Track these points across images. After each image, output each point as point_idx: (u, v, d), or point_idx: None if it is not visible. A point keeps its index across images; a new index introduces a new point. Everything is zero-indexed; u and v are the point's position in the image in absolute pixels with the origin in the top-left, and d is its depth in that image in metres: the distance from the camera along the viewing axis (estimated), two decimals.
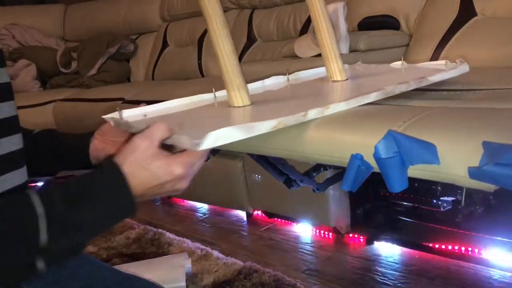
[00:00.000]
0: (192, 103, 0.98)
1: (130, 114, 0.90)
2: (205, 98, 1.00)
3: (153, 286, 0.79)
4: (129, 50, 3.05)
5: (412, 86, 0.89)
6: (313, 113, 0.76)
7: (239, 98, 0.85)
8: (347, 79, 1.04)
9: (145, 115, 0.87)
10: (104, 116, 0.89)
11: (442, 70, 0.98)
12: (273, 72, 1.15)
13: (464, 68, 1.01)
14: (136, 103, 1.12)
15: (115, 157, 0.65)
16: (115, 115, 0.88)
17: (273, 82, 1.09)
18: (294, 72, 1.17)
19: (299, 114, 0.75)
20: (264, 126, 0.71)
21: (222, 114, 0.87)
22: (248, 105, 0.86)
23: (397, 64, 1.13)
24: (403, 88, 0.88)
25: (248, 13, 2.57)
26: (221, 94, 0.98)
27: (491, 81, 1.14)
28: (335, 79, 1.04)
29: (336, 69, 1.03)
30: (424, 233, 1.64)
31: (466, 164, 0.61)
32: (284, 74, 1.11)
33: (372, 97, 0.83)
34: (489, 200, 1.44)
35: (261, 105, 0.89)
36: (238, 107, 0.85)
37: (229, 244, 1.81)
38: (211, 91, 1.00)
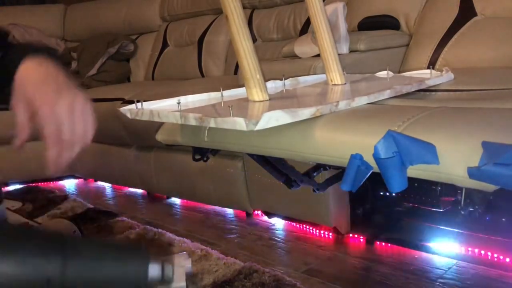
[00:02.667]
0: (202, 100, 1.00)
1: (154, 105, 0.92)
2: (212, 96, 1.01)
3: None
4: (129, 50, 3.05)
5: (415, 87, 0.94)
6: (343, 104, 0.81)
7: (260, 93, 0.89)
8: (345, 83, 1.05)
9: (178, 102, 0.89)
10: (120, 109, 0.90)
11: (427, 78, 1.00)
12: (274, 72, 1.15)
13: (449, 76, 1.03)
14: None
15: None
16: (132, 107, 0.90)
17: (270, 87, 1.09)
18: (290, 76, 1.18)
19: (332, 104, 0.79)
20: (306, 112, 0.75)
21: (250, 106, 0.89)
22: (267, 100, 0.89)
23: (383, 73, 1.14)
24: (408, 88, 0.92)
25: (248, 13, 2.57)
26: (227, 93, 1.00)
27: (490, 81, 1.14)
28: (335, 83, 1.05)
29: (336, 73, 1.04)
30: (424, 233, 1.63)
31: (465, 164, 0.61)
32: (280, 79, 1.12)
33: (386, 94, 0.87)
34: (489, 200, 1.44)
35: (278, 100, 0.92)
36: (259, 101, 0.88)
37: (229, 244, 1.81)
38: (213, 91, 1.01)
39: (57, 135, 0.65)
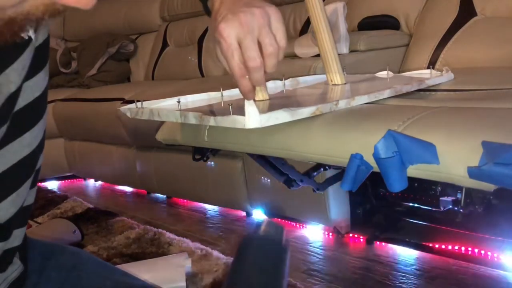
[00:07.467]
0: (202, 100, 1.00)
1: (154, 104, 0.92)
2: (212, 96, 1.01)
3: None
4: (129, 50, 3.05)
5: (415, 87, 0.94)
6: (343, 103, 0.81)
7: (260, 94, 0.89)
8: (345, 83, 1.05)
9: (178, 101, 0.89)
10: (120, 108, 0.91)
11: (427, 78, 1.00)
12: (273, 72, 1.15)
13: (449, 76, 1.03)
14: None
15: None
16: (132, 106, 0.90)
17: (270, 87, 1.09)
18: (290, 77, 1.18)
19: (332, 103, 0.79)
20: (306, 111, 0.76)
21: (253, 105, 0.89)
22: (267, 100, 0.89)
23: (383, 73, 1.14)
24: (408, 88, 0.92)
25: None
26: (227, 93, 1.00)
27: (490, 81, 1.14)
28: (335, 83, 1.05)
29: (336, 73, 1.04)
30: (424, 233, 1.63)
31: (465, 164, 0.61)
32: (280, 79, 1.12)
33: (386, 93, 0.87)
34: (489, 200, 1.44)
35: (278, 100, 0.92)
36: (259, 100, 0.89)
37: (229, 244, 1.81)
38: (213, 91, 1.01)
39: (242, 65, 0.66)
